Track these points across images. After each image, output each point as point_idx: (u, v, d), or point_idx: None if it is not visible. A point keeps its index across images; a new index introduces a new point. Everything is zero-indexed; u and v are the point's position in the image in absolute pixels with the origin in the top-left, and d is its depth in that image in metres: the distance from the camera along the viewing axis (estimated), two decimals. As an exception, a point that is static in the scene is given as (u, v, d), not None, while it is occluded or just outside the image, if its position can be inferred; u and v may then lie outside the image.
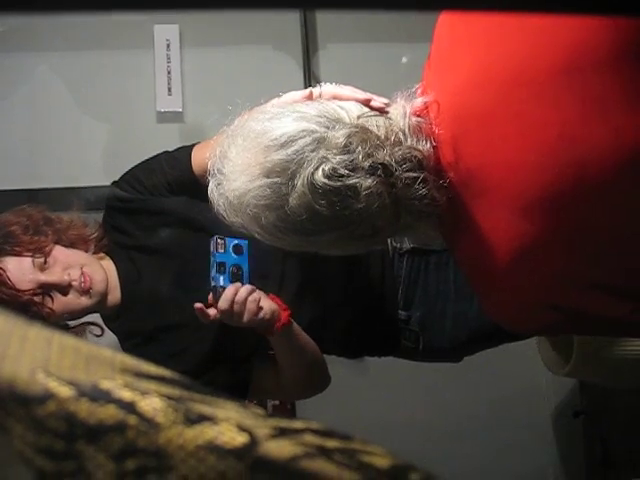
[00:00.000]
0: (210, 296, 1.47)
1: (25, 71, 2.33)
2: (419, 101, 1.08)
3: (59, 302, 1.53)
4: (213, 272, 1.48)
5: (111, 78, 2.37)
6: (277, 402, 2.47)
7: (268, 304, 1.48)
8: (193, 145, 1.62)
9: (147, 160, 1.67)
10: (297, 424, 0.45)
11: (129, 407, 0.42)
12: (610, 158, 0.91)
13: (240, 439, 0.42)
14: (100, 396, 0.42)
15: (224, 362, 1.61)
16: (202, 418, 0.43)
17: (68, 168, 2.33)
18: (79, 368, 0.43)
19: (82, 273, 1.55)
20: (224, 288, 1.46)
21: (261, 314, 1.46)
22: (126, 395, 0.43)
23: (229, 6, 0.43)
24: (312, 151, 1.01)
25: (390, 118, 1.07)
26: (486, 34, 1.00)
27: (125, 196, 1.65)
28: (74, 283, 1.54)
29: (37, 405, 0.41)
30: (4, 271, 1.50)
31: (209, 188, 1.10)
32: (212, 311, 1.47)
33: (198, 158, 1.54)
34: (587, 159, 0.92)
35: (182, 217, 1.62)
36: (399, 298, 1.66)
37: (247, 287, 1.46)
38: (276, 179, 1.01)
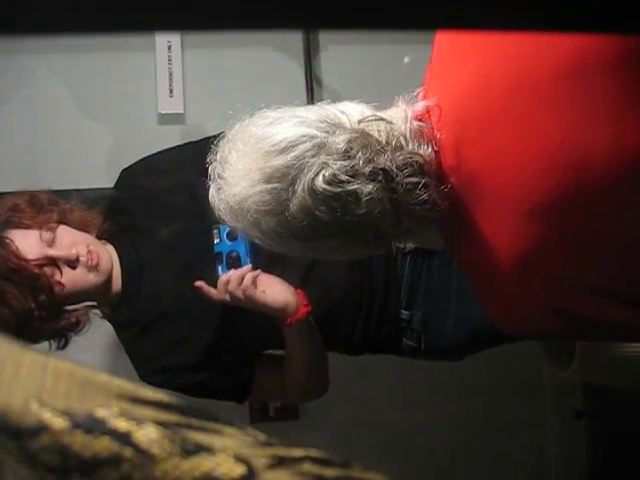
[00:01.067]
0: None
1: (26, 73, 2.32)
2: (420, 105, 1.07)
3: (68, 276, 1.50)
4: (215, 264, 1.49)
5: (112, 80, 2.35)
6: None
7: (281, 293, 1.48)
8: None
9: (168, 150, 1.67)
10: (296, 452, 0.44)
11: (124, 439, 0.41)
12: (612, 163, 0.91)
13: (238, 470, 0.42)
14: (95, 427, 0.41)
15: (227, 357, 1.60)
16: (199, 448, 0.42)
17: (69, 170, 2.32)
18: (74, 394, 0.42)
19: (89, 250, 1.53)
20: None
21: (267, 298, 1.46)
22: (121, 425, 0.42)
23: (230, 27, 0.42)
24: (312, 157, 1.00)
25: (391, 122, 1.06)
26: (488, 38, 0.99)
27: (137, 182, 1.65)
28: (82, 258, 1.52)
29: (30, 438, 0.40)
30: (12, 241, 1.46)
31: (210, 193, 1.10)
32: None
33: None
34: (589, 164, 0.92)
35: (190, 205, 1.61)
36: (402, 297, 1.65)
37: (239, 271, 1.46)
38: (276, 185, 1.01)
